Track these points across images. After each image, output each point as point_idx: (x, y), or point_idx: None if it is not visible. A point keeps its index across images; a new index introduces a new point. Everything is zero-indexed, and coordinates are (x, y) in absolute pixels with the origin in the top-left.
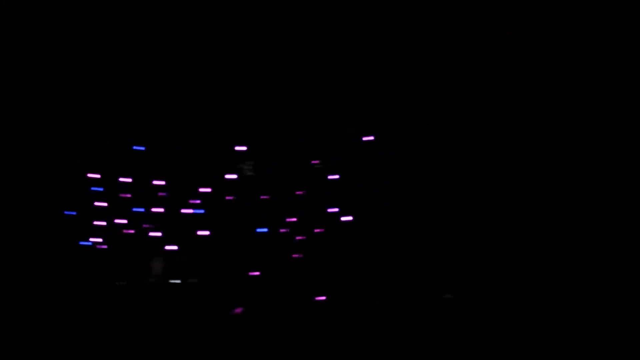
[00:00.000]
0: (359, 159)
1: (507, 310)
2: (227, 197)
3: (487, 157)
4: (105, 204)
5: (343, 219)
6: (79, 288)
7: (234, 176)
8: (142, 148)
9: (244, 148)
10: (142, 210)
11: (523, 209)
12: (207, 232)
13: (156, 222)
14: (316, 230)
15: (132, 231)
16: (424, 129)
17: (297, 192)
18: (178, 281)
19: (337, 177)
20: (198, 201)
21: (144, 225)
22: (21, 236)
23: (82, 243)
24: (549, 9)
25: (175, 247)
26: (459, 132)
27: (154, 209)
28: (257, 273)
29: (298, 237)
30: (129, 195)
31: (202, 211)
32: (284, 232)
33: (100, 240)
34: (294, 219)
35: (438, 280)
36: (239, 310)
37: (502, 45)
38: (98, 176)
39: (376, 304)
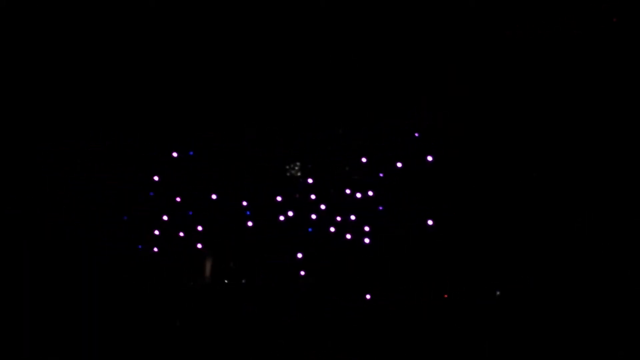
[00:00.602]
0: (359, 160)
1: (507, 310)
2: (275, 198)
3: (487, 158)
4: (155, 208)
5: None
6: (131, 290)
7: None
8: (191, 153)
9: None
10: (190, 213)
11: (523, 209)
12: (255, 234)
13: (204, 225)
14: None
15: (181, 234)
16: (424, 129)
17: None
18: (225, 282)
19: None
20: (245, 203)
21: (193, 228)
22: (21, 236)
23: (132, 247)
24: (549, 9)
25: (221, 247)
26: (459, 132)
27: (202, 212)
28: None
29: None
30: (178, 199)
31: (248, 213)
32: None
33: (151, 243)
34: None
35: (438, 280)
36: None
37: (502, 45)
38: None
39: (376, 304)
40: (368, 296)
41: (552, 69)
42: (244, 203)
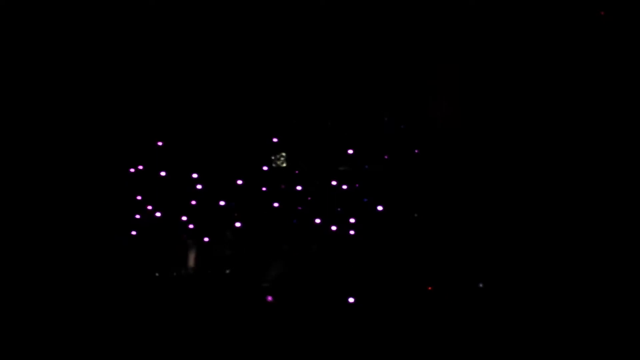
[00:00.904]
0: (358, 159)
1: (508, 310)
2: (261, 189)
3: (486, 157)
4: (139, 197)
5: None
6: (116, 280)
7: (265, 168)
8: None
9: (275, 140)
10: (177, 202)
11: (523, 208)
12: (239, 224)
13: (191, 214)
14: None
15: (167, 224)
16: (423, 129)
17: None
18: (211, 272)
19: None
20: (232, 194)
21: (179, 218)
22: (21, 236)
23: (119, 236)
24: (549, 9)
25: (208, 239)
26: (456, 130)
27: (188, 202)
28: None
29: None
30: (165, 189)
31: (234, 204)
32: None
33: (136, 233)
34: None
35: (437, 279)
36: (269, 298)
37: (502, 45)
38: (132, 170)
39: (377, 303)
40: (352, 298)
41: (551, 69)
42: (231, 196)
